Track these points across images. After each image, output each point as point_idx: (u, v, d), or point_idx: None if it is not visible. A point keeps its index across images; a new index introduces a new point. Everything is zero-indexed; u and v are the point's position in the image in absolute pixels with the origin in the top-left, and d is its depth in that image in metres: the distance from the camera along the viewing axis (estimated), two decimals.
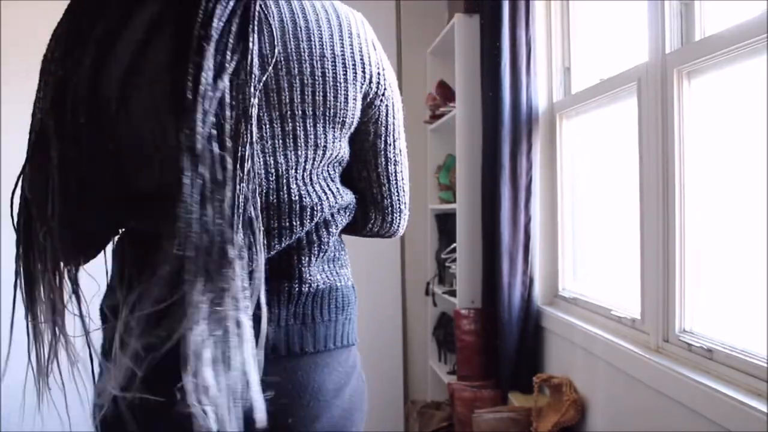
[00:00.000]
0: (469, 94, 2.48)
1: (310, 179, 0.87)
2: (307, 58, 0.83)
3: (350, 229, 1.01)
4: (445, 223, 2.93)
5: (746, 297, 1.33)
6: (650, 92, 1.57)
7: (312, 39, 0.84)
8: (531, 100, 2.16)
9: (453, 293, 2.65)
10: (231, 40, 0.71)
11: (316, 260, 0.91)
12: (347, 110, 0.88)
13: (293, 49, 0.82)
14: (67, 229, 0.81)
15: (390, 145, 0.98)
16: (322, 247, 0.91)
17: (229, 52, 0.71)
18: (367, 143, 0.96)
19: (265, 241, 0.81)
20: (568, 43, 2.21)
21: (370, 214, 1.00)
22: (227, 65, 0.71)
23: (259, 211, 0.75)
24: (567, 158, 2.19)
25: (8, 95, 2.68)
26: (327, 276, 0.92)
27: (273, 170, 0.83)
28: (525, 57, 2.14)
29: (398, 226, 1.06)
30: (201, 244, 0.69)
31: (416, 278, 3.15)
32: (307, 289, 0.89)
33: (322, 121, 0.85)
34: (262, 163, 0.82)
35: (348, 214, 0.96)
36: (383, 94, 0.94)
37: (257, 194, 0.76)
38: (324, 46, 0.84)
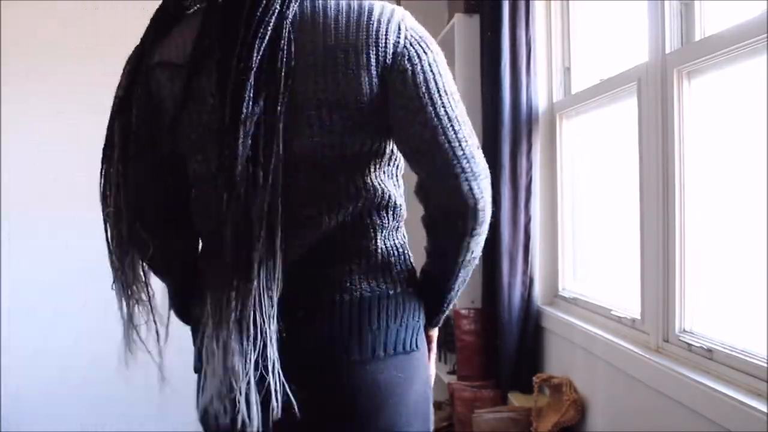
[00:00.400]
0: (469, 94, 2.48)
1: (328, 172, 0.91)
2: (322, 52, 0.87)
3: (441, 230, 0.97)
4: None
5: (746, 297, 1.33)
6: (650, 92, 1.56)
7: (327, 32, 0.88)
8: (531, 100, 2.16)
9: None
10: (265, 71, 0.83)
11: (359, 269, 0.92)
12: (362, 96, 0.88)
13: (310, 47, 0.87)
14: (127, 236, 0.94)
15: (422, 109, 0.89)
16: (363, 254, 0.92)
17: (263, 82, 0.83)
18: (400, 120, 0.91)
19: (284, 244, 0.85)
20: (568, 43, 2.21)
21: (441, 197, 0.93)
22: (261, 92, 0.82)
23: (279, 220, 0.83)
24: (567, 158, 2.19)
25: (8, 95, 2.68)
26: (375, 285, 0.93)
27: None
28: (525, 57, 2.14)
29: (473, 194, 0.90)
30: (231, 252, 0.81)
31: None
32: (349, 297, 0.91)
33: (336, 110, 0.88)
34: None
35: (391, 212, 0.95)
36: (398, 68, 0.89)
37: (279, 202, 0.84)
38: (338, 38, 0.87)
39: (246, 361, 0.80)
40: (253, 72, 0.81)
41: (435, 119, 0.88)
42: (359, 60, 0.87)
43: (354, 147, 0.90)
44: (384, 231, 0.94)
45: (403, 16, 0.91)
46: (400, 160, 0.98)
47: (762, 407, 1.14)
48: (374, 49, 0.87)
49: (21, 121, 2.67)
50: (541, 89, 2.22)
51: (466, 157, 0.89)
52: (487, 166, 0.93)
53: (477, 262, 0.98)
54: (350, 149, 0.90)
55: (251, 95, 0.81)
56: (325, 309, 0.91)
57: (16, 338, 2.67)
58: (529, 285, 2.17)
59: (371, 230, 0.93)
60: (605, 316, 1.83)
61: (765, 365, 1.20)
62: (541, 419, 1.93)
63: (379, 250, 0.93)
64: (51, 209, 2.71)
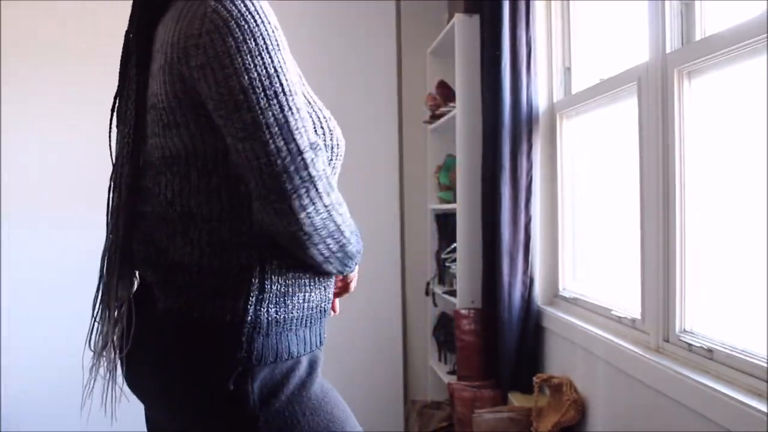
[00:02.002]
0: (469, 94, 2.48)
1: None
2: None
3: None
4: (445, 223, 2.93)
5: (746, 297, 1.33)
6: (650, 92, 1.56)
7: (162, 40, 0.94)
8: (531, 100, 2.16)
9: (453, 293, 2.65)
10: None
11: None
12: (159, 94, 0.92)
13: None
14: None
15: (215, 101, 0.86)
16: None
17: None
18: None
19: None
20: (568, 43, 2.21)
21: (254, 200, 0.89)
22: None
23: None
24: (567, 158, 2.19)
25: (8, 95, 2.68)
26: None
27: None
28: (525, 57, 2.14)
29: (276, 188, 0.85)
30: None
31: (416, 278, 3.15)
32: None
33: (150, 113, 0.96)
34: None
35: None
36: (187, 64, 0.87)
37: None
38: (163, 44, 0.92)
39: None
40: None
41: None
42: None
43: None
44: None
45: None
46: None
47: (762, 407, 1.14)
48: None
49: (21, 121, 2.68)
50: (541, 89, 2.22)
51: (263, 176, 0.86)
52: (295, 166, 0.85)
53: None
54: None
55: None
56: None
57: (16, 338, 2.67)
58: (529, 285, 2.17)
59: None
60: (605, 316, 1.83)
61: (765, 365, 1.20)
62: (542, 419, 1.93)
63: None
64: (51, 209, 2.71)
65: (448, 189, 2.79)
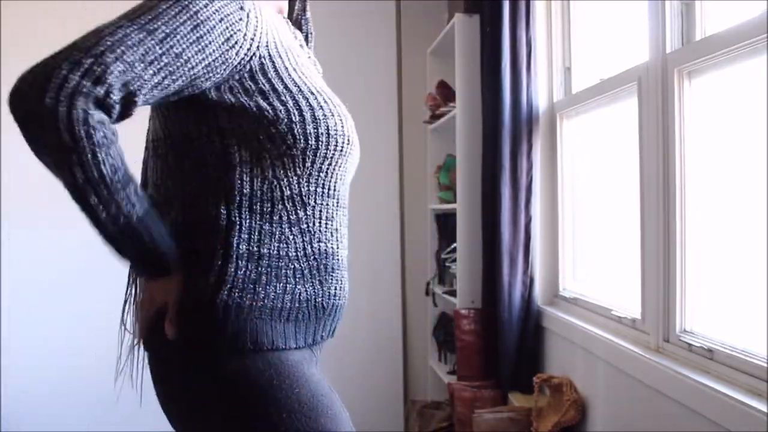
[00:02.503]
0: (469, 94, 2.48)
1: None
2: None
3: None
4: (445, 223, 2.93)
5: (746, 297, 1.33)
6: (651, 92, 1.56)
7: None
8: (531, 100, 2.16)
9: (453, 293, 2.64)
10: None
11: None
12: None
13: None
14: None
15: None
16: None
17: None
18: None
19: None
20: (568, 43, 2.21)
21: None
22: None
23: None
24: (567, 158, 2.19)
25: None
26: None
27: None
28: (525, 57, 2.14)
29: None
30: None
31: (416, 278, 3.15)
32: None
33: None
34: None
35: None
36: None
37: None
38: None
39: None
40: None
41: None
42: None
43: None
44: None
45: None
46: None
47: (762, 407, 1.14)
48: None
49: None
50: (541, 89, 2.22)
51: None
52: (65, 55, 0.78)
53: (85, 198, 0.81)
54: None
55: None
56: None
57: (16, 338, 2.66)
58: (529, 285, 2.17)
59: None
60: (605, 316, 1.83)
61: (765, 365, 1.20)
62: (542, 419, 1.93)
63: None
64: (51, 209, 2.71)
65: (448, 189, 2.79)
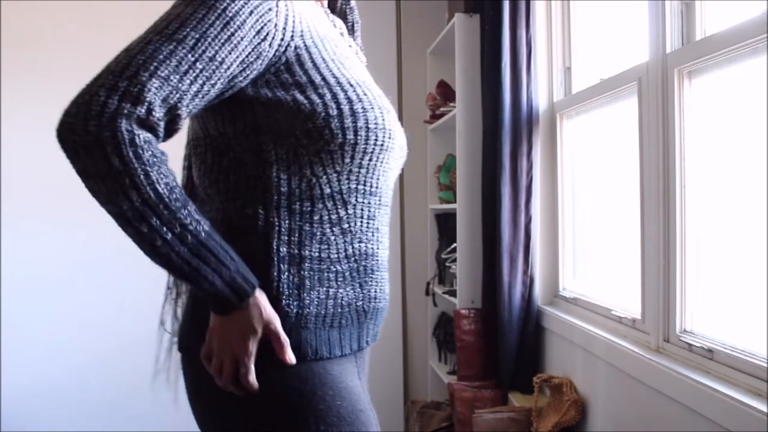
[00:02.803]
0: (469, 94, 2.48)
1: None
2: None
3: None
4: (445, 223, 2.92)
5: (746, 297, 1.33)
6: (651, 92, 1.56)
7: None
8: (531, 100, 2.16)
9: (453, 293, 2.64)
10: None
11: None
12: None
13: None
14: None
15: None
16: None
17: None
18: None
19: None
20: (568, 43, 2.21)
21: None
22: None
23: None
24: (567, 158, 2.19)
25: (8, 95, 2.68)
26: None
27: None
28: (525, 57, 2.14)
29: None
30: None
31: (416, 278, 3.15)
32: None
33: None
34: None
35: None
36: None
37: None
38: None
39: None
40: None
41: None
42: None
43: None
44: None
45: None
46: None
47: (762, 407, 1.13)
48: None
49: (21, 121, 2.67)
50: (541, 89, 2.21)
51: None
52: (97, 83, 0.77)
53: (141, 238, 0.77)
54: None
55: None
56: None
57: (16, 338, 2.66)
58: (529, 285, 2.17)
59: None
60: (605, 316, 1.83)
61: (765, 365, 1.20)
62: (542, 419, 1.93)
63: None
64: (51, 209, 2.71)
65: (448, 189, 2.79)
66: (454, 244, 2.61)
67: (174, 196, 0.77)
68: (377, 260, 0.97)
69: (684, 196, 1.47)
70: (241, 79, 0.85)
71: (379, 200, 0.96)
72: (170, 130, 0.82)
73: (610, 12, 1.97)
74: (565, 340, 2.00)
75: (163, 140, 0.82)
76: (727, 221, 1.41)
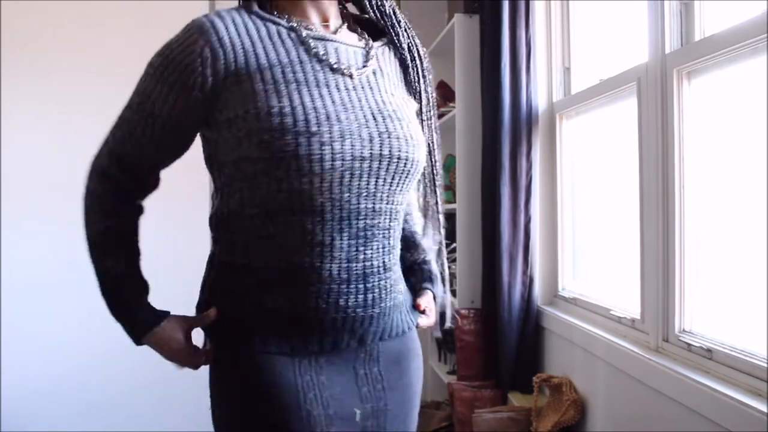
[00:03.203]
0: (469, 94, 2.48)
1: None
2: None
3: None
4: (445, 223, 2.92)
5: (746, 297, 1.33)
6: (650, 92, 1.57)
7: None
8: (531, 100, 2.16)
9: (453, 293, 2.64)
10: None
11: None
12: None
13: None
14: None
15: None
16: None
17: None
18: None
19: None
20: (568, 43, 2.21)
21: None
22: None
23: None
24: (567, 158, 2.19)
25: (8, 95, 2.68)
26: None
27: None
28: (525, 57, 2.14)
29: None
30: None
31: None
32: None
33: None
34: None
35: None
36: None
37: None
38: None
39: None
40: None
41: None
42: None
43: None
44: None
45: None
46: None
47: (762, 407, 1.14)
48: None
49: (21, 121, 2.67)
50: (541, 89, 2.22)
51: None
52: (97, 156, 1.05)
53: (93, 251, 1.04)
54: None
55: None
56: None
57: (16, 338, 2.66)
58: (529, 285, 2.17)
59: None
60: (605, 316, 1.83)
61: (765, 365, 1.20)
62: (541, 419, 1.93)
63: None
64: (51, 209, 2.71)
65: (448, 189, 2.79)
66: (454, 244, 2.61)
67: (99, 240, 1.02)
68: (320, 273, 0.96)
69: (683, 196, 1.48)
70: (183, 119, 0.98)
71: (322, 217, 0.95)
72: (141, 182, 1.07)
73: (610, 12, 1.97)
74: (564, 340, 2.00)
75: (145, 189, 1.07)
76: (727, 221, 1.41)
